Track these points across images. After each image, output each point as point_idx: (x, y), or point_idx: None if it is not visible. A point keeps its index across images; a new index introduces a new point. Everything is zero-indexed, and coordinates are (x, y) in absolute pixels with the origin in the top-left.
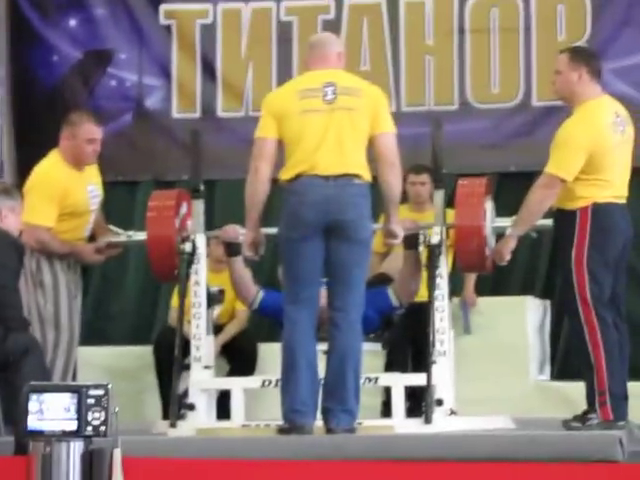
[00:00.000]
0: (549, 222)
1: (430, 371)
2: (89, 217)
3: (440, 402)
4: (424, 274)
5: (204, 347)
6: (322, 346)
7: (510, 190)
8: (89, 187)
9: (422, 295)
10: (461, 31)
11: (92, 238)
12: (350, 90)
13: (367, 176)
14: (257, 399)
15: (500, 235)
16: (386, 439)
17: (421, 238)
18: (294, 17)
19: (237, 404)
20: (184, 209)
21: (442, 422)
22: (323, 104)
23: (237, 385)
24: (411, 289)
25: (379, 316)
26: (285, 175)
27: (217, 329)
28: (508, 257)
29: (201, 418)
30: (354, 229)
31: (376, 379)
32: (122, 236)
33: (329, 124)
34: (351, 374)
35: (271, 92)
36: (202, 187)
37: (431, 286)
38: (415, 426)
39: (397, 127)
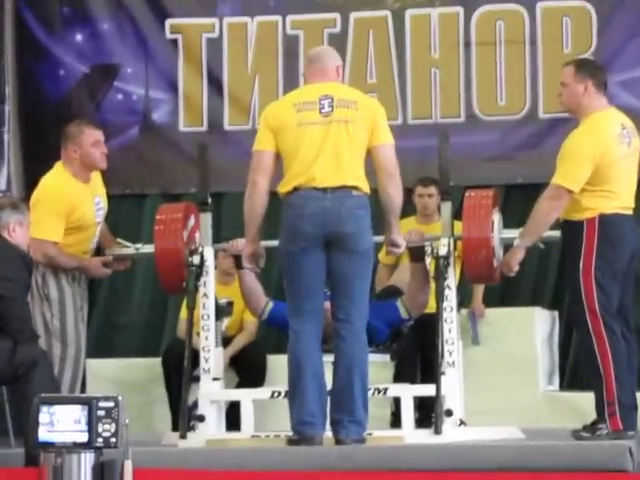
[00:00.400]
0: (557, 233)
1: (439, 382)
2: (95, 229)
3: (449, 413)
4: (432, 286)
5: (213, 359)
6: (329, 358)
7: (517, 202)
8: (95, 199)
9: (430, 306)
10: (467, 44)
11: (99, 250)
12: (347, 102)
13: (365, 188)
14: (266, 410)
15: (508, 246)
16: (396, 449)
17: (429, 250)
18: (300, 31)
19: (246, 415)
20: (192, 222)
21: (451, 433)
22: (320, 116)
23: (246, 396)
24: (420, 301)
25: (388, 328)
26: (283, 188)
27: (226, 341)
28: (516, 268)
29: (211, 429)
30: (354, 241)
31: (385, 390)
32: (130, 249)
33: (326, 136)
34: (358, 385)
35: (268, 105)
36: (209, 200)
37: (439, 297)
38: (425, 437)
39: (403, 140)
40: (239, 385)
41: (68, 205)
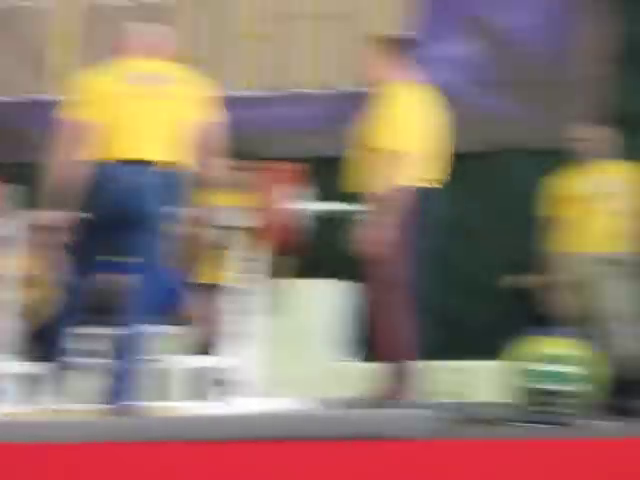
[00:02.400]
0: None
1: (229, 353)
2: None
3: (229, 383)
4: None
5: None
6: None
7: (329, 174)
8: None
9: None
10: (291, 17)
11: None
12: (172, 77)
13: (186, 164)
14: None
15: (319, 218)
16: (181, 420)
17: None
18: None
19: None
20: None
21: (241, 403)
22: (144, 90)
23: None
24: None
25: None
26: (96, 159)
27: None
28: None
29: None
30: (160, 218)
31: (157, 361)
32: None
33: (148, 110)
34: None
35: (87, 73)
36: None
37: (225, 268)
38: (210, 408)
39: (222, 112)
40: None
41: None
